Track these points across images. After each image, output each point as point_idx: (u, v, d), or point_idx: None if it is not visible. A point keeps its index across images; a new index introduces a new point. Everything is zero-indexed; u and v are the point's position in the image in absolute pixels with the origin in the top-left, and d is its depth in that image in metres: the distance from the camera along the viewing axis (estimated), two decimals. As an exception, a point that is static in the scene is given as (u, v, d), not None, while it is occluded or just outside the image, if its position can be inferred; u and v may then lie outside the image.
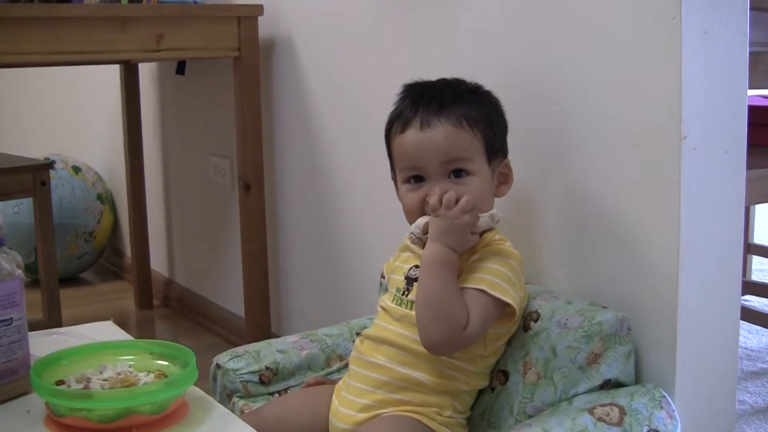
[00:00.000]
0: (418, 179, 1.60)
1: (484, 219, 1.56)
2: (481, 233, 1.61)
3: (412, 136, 1.59)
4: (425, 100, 1.60)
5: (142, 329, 3.52)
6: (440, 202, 1.53)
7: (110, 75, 3.80)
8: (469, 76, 1.68)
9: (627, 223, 1.59)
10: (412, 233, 1.60)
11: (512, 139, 1.67)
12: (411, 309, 1.59)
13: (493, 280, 1.53)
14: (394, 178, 1.69)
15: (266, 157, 2.80)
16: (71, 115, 4.80)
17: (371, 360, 1.61)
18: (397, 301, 1.63)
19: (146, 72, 3.73)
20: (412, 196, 1.60)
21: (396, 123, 1.64)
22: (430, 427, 1.55)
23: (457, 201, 1.53)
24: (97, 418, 1.18)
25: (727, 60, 1.52)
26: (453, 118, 1.57)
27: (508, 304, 1.54)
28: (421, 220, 1.57)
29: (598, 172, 1.64)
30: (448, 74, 1.69)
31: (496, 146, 1.62)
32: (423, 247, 1.59)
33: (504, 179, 1.66)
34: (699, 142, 1.50)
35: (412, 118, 1.60)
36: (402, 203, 1.64)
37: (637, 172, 1.56)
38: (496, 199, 1.65)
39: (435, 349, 1.52)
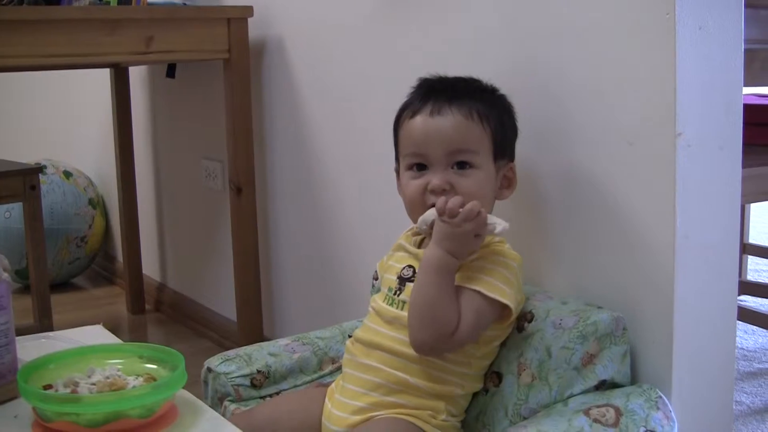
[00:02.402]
0: (420, 167, 1.59)
1: (495, 225, 1.49)
2: None
3: (420, 122, 1.58)
4: (439, 89, 1.60)
5: (134, 334, 3.51)
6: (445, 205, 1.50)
7: (101, 79, 3.79)
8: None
9: (622, 221, 1.58)
10: (418, 227, 1.56)
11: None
12: (402, 309, 1.57)
13: (490, 280, 1.52)
14: (398, 170, 1.68)
15: (257, 160, 2.78)
16: (62, 119, 4.79)
17: (364, 362, 1.59)
18: (388, 300, 1.61)
19: (137, 75, 3.72)
20: (414, 183, 1.59)
21: (406, 110, 1.63)
22: (424, 430, 1.53)
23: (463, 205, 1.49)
24: (85, 422, 1.17)
25: (722, 56, 1.51)
26: (465, 108, 1.57)
27: (505, 306, 1.52)
28: (429, 214, 1.53)
29: (594, 170, 1.63)
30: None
31: (504, 146, 1.62)
32: (421, 244, 1.60)
33: (508, 183, 1.65)
34: (694, 139, 1.49)
35: (423, 105, 1.59)
36: (403, 193, 1.63)
37: (632, 170, 1.55)
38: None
39: (421, 350, 1.52)
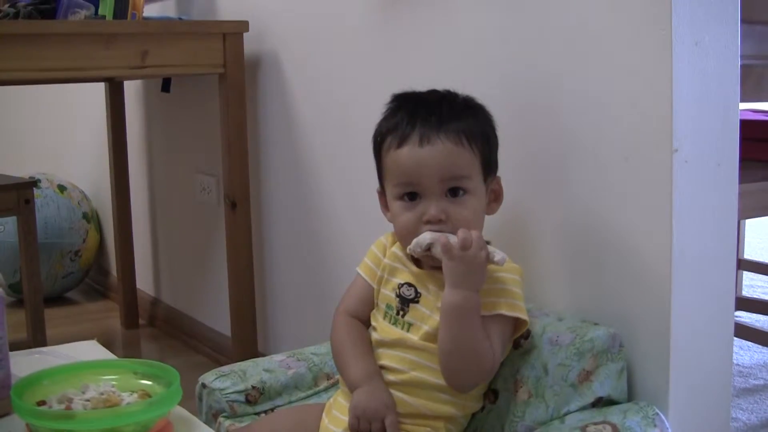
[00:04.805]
0: (411, 196, 1.55)
1: (499, 255, 1.47)
2: None
3: (410, 152, 1.53)
4: (423, 114, 1.55)
5: (127, 349, 3.49)
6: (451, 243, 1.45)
7: (96, 93, 3.78)
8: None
9: (618, 237, 1.58)
10: (411, 249, 1.51)
11: (501, 153, 1.65)
12: (409, 331, 1.56)
13: (507, 300, 1.51)
14: (381, 192, 1.64)
15: (252, 175, 2.77)
16: (56, 133, 4.78)
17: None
18: (390, 319, 1.59)
19: (132, 90, 3.71)
20: (408, 215, 1.55)
21: (390, 137, 1.57)
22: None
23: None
24: (79, 439, 1.16)
25: (719, 71, 1.51)
26: (453, 134, 1.52)
27: (517, 318, 1.52)
28: (423, 238, 1.49)
29: (589, 186, 1.62)
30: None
31: (491, 163, 1.59)
32: (419, 262, 1.59)
33: (495, 196, 1.63)
34: (690, 155, 1.48)
35: (410, 133, 1.54)
36: (395, 222, 1.58)
37: (628, 186, 1.55)
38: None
39: (465, 390, 1.53)
